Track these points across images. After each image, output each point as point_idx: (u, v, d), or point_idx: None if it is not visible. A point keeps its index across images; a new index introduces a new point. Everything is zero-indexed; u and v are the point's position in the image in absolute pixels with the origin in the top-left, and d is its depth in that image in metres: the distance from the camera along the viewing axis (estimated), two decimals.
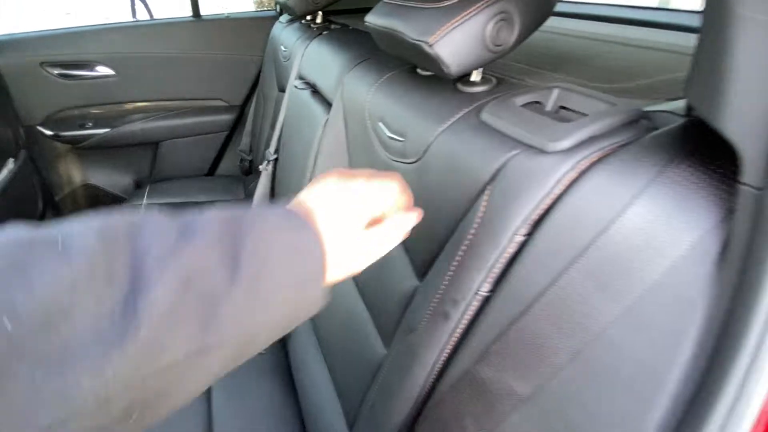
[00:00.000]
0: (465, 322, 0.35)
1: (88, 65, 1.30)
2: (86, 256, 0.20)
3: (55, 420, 0.18)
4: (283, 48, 1.13)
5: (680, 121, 0.33)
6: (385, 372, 0.47)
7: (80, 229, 0.21)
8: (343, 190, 0.31)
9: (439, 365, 0.37)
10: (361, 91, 0.62)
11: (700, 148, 0.29)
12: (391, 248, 0.32)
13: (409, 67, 0.58)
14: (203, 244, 0.23)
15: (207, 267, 0.23)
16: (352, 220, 0.30)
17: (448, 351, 0.36)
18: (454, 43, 0.39)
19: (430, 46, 0.39)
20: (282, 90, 1.13)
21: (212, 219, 0.25)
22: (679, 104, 0.36)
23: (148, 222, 0.23)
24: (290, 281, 0.26)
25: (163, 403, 0.22)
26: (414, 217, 0.33)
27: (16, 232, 0.20)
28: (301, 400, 0.73)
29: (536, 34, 0.45)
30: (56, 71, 1.28)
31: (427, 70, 0.52)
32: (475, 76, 0.47)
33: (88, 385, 0.18)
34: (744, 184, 0.24)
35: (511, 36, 0.41)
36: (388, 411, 0.43)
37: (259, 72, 1.44)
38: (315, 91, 0.85)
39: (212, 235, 0.24)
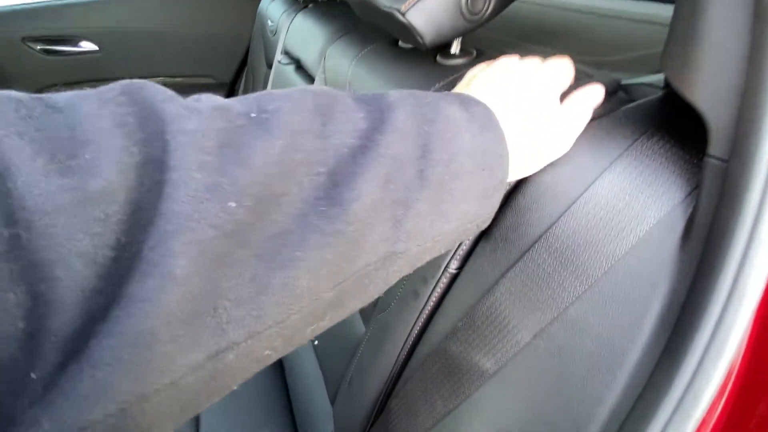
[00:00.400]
0: (434, 299, 0.35)
1: (71, 40, 1.27)
2: (289, 132, 0.18)
3: (278, 320, 0.17)
4: (270, 22, 1.10)
5: (657, 93, 0.32)
6: (362, 350, 0.47)
7: (277, 104, 0.18)
8: (517, 75, 0.26)
9: (409, 343, 0.37)
10: (343, 65, 0.60)
11: (674, 121, 0.28)
12: (581, 129, 0.28)
13: (391, 39, 0.57)
14: (396, 137, 0.20)
15: (401, 164, 0.20)
16: (536, 108, 0.26)
17: (418, 329, 0.36)
18: (428, 11, 0.37)
19: (403, 14, 0.37)
20: (270, 66, 1.10)
21: (398, 104, 0.22)
22: (658, 77, 0.35)
23: (337, 103, 0.20)
24: (473, 188, 0.23)
25: (348, 308, 0.21)
26: (601, 90, 0.29)
27: (214, 101, 0.17)
28: (287, 378, 0.74)
29: (523, 5, 0.43)
30: (38, 47, 1.24)
31: (406, 42, 0.50)
32: (455, 48, 0.45)
33: (305, 282, 0.17)
34: (711, 156, 0.23)
35: (488, 3, 0.39)
36: (363, 387, 0.44)
37: (249, 48, 1.41)
38: (299, 66, 0.83)
39: (404, 125, 0.21)
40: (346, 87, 0.59)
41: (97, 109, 0.15)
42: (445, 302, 0.35)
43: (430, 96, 0.23)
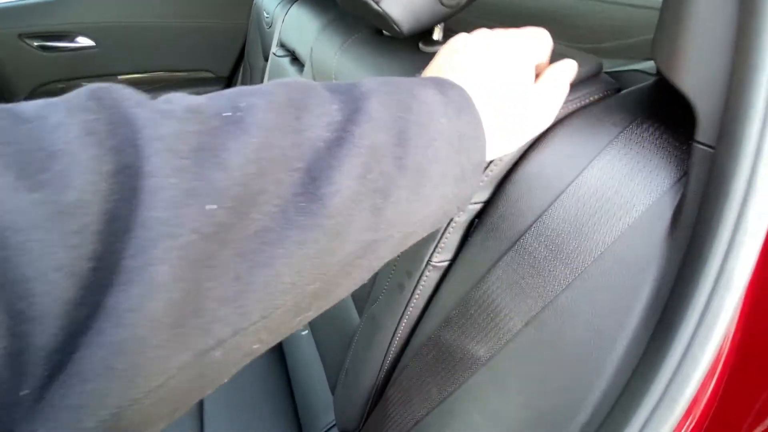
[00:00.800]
0: (419, 292, 0.35)
1: (67, 36, 1.26)
2: (263, 130, 0.17)
3: (263, 315, 0.17)
4: (265, 14, 1.09)
5: (649, 80, 0.32)
6: (356, 341, 0.48)
7: (250, 101, 0.18)
8: (491, 50, 0.26)
9: (398, 335, 0.38)
10: (329, 55, 0.60)
11: (665, 108, 0.28)
12: (560, 104, 0.28)
13: (375, 28, 0.56)
14: (372, 126, 0.20)
15: (378, 153, 0.20)
16: (511, 83, 0.26)
17: (405, 321, 0.36)
18: None
19: (377, 2, 0.37)
20: (267, 59, 1.09)
21: (372, 93, 0.22)
22: (650, 64, 0.35)
23: (311, 96, 0.20)
24: (450, 172, 0.23)
25: (333, 296, 0.21)
26: (575, 64, 0.29)
27: (186, 102, 0.17)
28: (289, 368, 0.75)
29: None
30: (35, 43, 1.24)
31: (386, 31, 0.49)
32: (437, 35, 0.44)
33: (288, 278, 0.17)
34: (698, 142, 0.23)
35: None
36: (358, 378, 0.44)
37: (246, 41, 1.40)
38: (295, 58, 0.82)
39: (379, 114, 0.21)
40: (332, 78, 0.58)
41: (65, 118, 0.15)
42: (440, 292, 0.35)
43: (405, 82, 0.23)
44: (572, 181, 0.27)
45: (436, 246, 0.33)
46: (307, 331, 0.73)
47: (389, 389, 0.40)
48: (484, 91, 0.25)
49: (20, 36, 1.22)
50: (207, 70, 1.43)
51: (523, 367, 0.30)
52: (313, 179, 0.18)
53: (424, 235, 0.24)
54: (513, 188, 0.30)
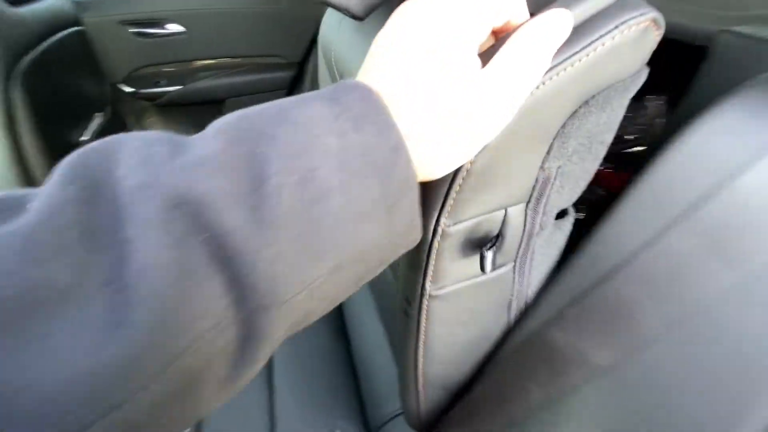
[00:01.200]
0: (425, 320, 0.31)
1: (159, 23, 1.35)
2: (48, 208, 0.14)
3: None
4: None
5: None
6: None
7: (49, 178, 0.15)
8: (423, 22, 0.19)
9: (419, 355, 0.34)
10: (331, 32, 0.57)
11: None
12: (539, 76, 0.20)
13: None
14: (205, 173, 0.15)
15: (215, 205, 0.15)
16: (455, 61, 0.18)
17: (421, 346, 0.33)
18: None
19: None
20: None
21: (223, 130, 0.17)
22: None
23: (127, 142, 0.16)
24: (357, 204, 0.17)
25: (200, 399, 0.17)
26: (567, 15, 0.19)
27: None
28: (354, 353, 0.74)
29: None
30: (133, 29, 1.34)
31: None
32: None
33: (84, 382, 0.13)
34: None
35: None
36: (404, 381, 0.40)
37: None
38: None
39: (223, 155, 0.16)
40: (332, 55, 0.55)
41: None
42: (549, 287, 0.32)
43: (282, 103, 0.18)
44: (749, 165, 0.22)
45: (425, 276, 0.28)
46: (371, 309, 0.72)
47: (477, 386, 0.38)
48: (405, 84, 0.18)
49: (121, 23, 1.32)
50: (278, 56, 1.47)
51: (657, 381, 0.25)
52: (123, 255, 0.14)
53: (365, 281, 0.19)
54: (658, 172, 0.26)
